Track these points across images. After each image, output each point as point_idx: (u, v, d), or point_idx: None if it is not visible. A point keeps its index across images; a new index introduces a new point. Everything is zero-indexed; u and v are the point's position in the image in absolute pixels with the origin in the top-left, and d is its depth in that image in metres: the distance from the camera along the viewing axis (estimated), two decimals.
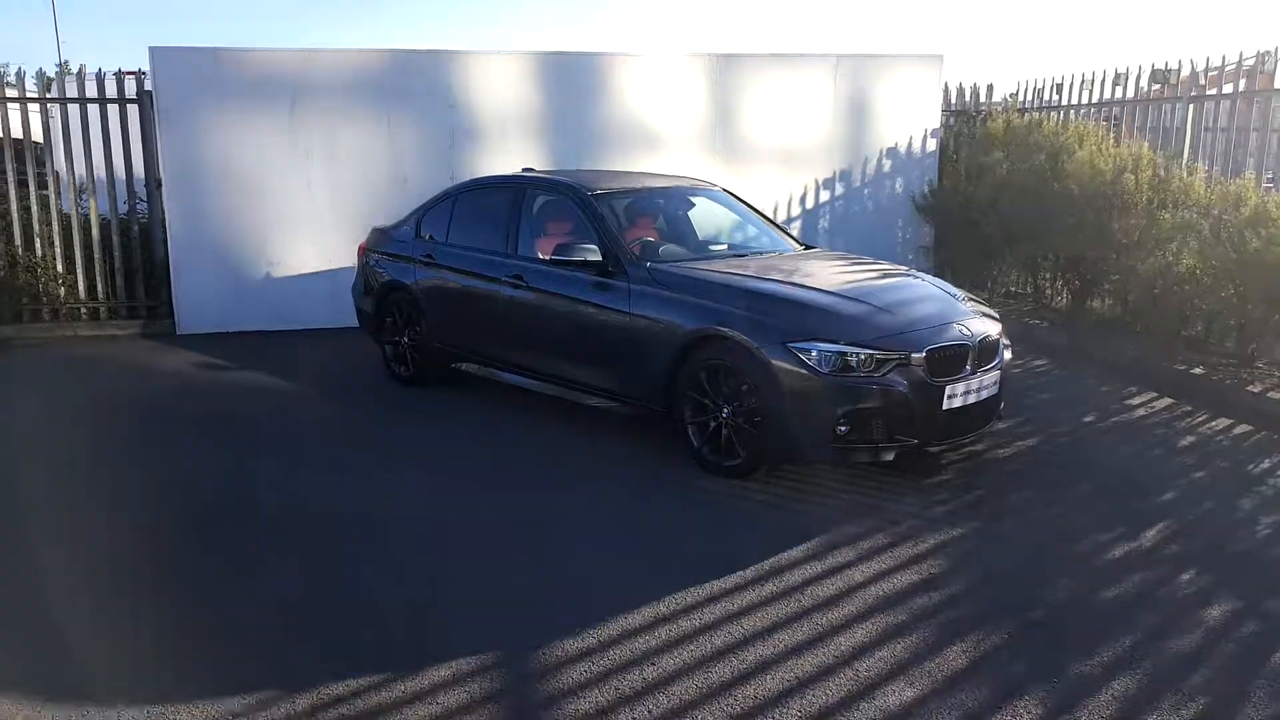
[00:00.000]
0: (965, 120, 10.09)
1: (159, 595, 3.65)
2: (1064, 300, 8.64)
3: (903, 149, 9.57)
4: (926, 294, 5.13)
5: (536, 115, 8.87)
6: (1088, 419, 5.88)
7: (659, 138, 9.06)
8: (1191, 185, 6.97)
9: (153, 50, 8.17)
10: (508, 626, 3.34)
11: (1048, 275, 8.93)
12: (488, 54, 8.79)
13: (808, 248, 6.10)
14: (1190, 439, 5.50)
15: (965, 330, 4.76)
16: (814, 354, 4.42)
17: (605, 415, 5.52)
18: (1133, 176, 7.39)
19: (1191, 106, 7.66)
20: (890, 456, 4.55)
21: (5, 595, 3.61)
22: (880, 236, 9.60)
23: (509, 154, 8.77)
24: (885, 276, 5.41)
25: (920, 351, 4.50)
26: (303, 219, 8.63)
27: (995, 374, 4.87)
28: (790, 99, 9.23)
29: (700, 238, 6.02)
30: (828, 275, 5.27)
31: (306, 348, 8.00)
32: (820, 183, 9.49)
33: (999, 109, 9.83)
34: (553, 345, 5.57)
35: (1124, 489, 4.68)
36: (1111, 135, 8.32)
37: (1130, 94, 8.42)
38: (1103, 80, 8.80)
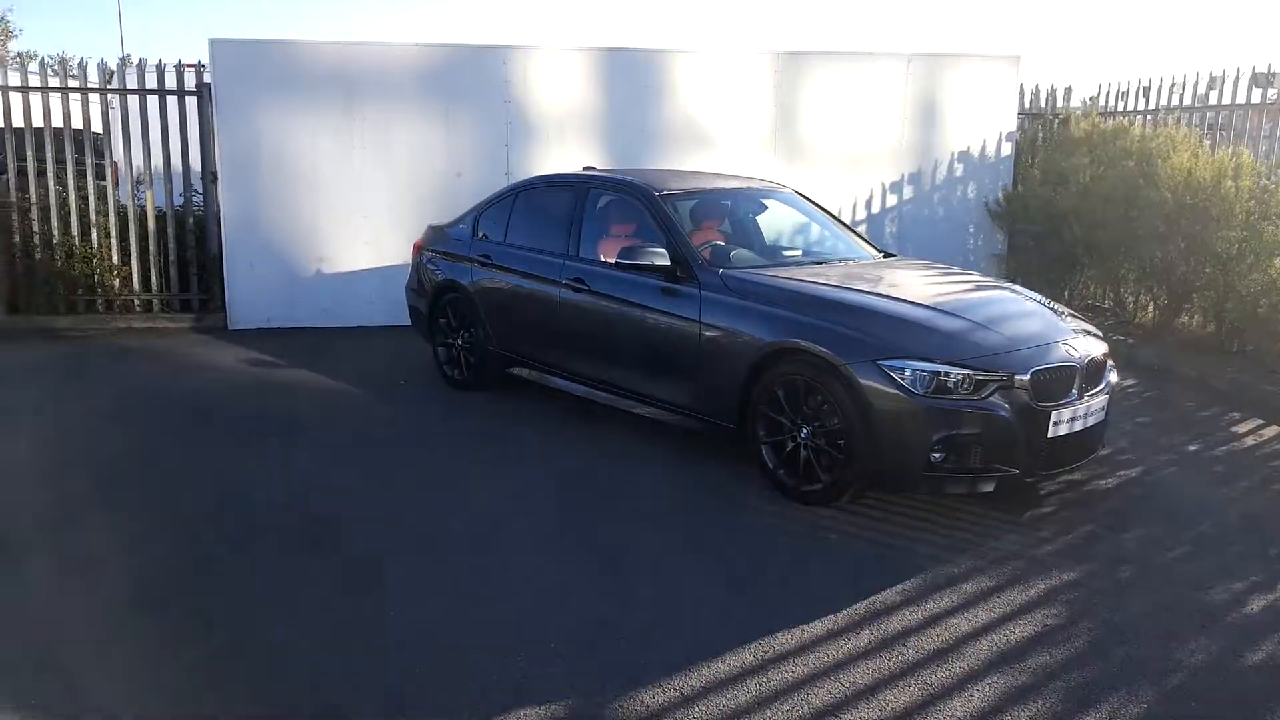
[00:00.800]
0: (1042, 124, 9.59)
1: (205, 619, 3.36)
2: (1150, 315, 8.13)
3: (975, 153, 9.11)
4: (1027, 309, 4.71)
5: (593, 112, 8.55)
6: (1193, 447, 5.41)
7: (718, 136, 8.71)
8: None
9: (212, 42, 8.00)
10: (585, 674, 3.00)
11: (1132, 288, 8.41)
12: (545, 49, 8.48)
13: (886, 255, 5.69)
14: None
15: (1071, 350, 4.34)
16: (907, 373, 4.03)
17: (669, 429, 5.17)
18: (1233, 184, 6.89)
19: None
20: (989, 488, 4.14)
21: (40, 606, 3.35)
22: (950, 243, 9.15)
23: (565, 151, 8.48)
24: (979, 288, 4.99)
25: (1025, 373, 4.09)
26: (355, 214, 8.40)
27: (1103, 399, 4.45)
28: (857, 98, 8.82)
29: (773, 242, 5.64)
30: (917, 286, 4.87)
31: (357, 347, 7.75)
32: (887, 186, 9.06)
33: (1079, 112, 9.32)
34: (615, 354, 5.23)
35: (1248, 530, 4.23)
36: (1206, 142, 7.82)
37: (1227, 99, 7.89)
38: (1195, 83, 8.27)
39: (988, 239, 9.29)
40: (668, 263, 4.90)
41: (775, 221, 5.79)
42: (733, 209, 5.74)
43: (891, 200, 9.06)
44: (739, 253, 5.25)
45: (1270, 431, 5.70)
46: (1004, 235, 9.23)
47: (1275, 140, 7.47)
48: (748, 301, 4.60)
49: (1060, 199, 8.16)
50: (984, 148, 9.10)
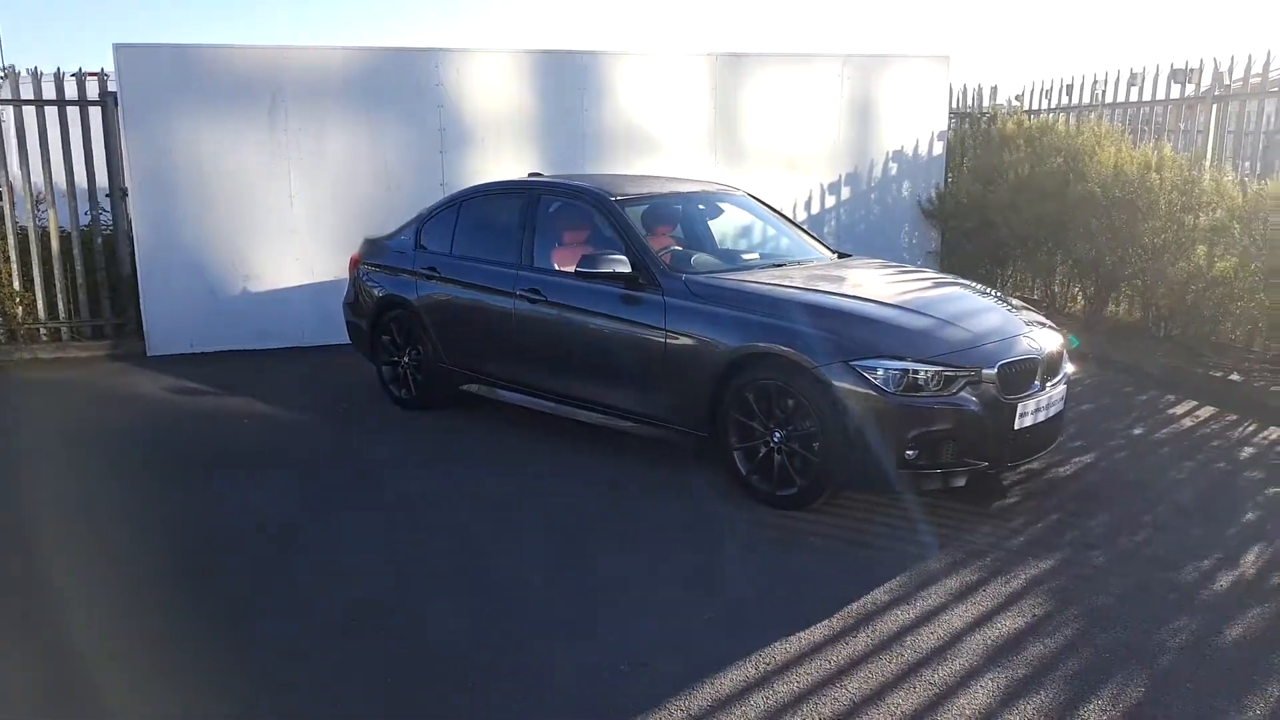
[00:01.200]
0: (970, 122, 9.83)
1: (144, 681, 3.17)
2: (1080, 305, 8.39)
3: (909, 151, 9.28)
4: (985, 304, 4.79)
5: (531, 117, 8.44)
6: (1137, 431, 5.59)
7: (658, 140, 8.68)
8: (1224, 187, 6.73)
9: (117, 48, 7.59)
10: (586, 704, 2.92)
11: (1061, 280, 8.67)
12: (479, 52, 8.34)
13: (841, 255, 5.73)
14: (1249, 450, 5.22)
15: (1032, 343, 4.43)
16: (880, 373, 4.05)
17: (633, 439, 5.11)
18: (1158, 177, 7.15)
19: (1215, 107, 7.43)
20: (961, 482, 4.19)
21: None
22: (886, 242, 9.30)
23: (502, 158, 8.35)
24: (938, 285, 5.06)
25: (992, 367, 4.15)
26: (283, 229, 8.11)
27: (1061, 389, 4.55)
28: (794, 100, 8.89)
29: (730, 246, 5.63)
30: (879, 285, 4.90)
31: (292, 368, 7.48)
32: (825, 187, 9.16)
33: (1005, 111, 9.58)
34: (577, 366, 5.14)
35: (1203, 509, 4.37)
36: (1128, 137, 8.11)
37: (1147, 95, 8.19)
38: (1116, 81, 8.58)
39: (922, 236, 9.46)
40: (629, 270, 4.84)
41: (730, 225, 5.78)
42: (687, 213, 5.71)
43: (830, 201, 9.16)
44: (700, 257, 5.22)
45: (1205, 412, 5.92)
46: (937, 232, 9.42)
47: (1194, 134, 7.78)
48: (713, 307, 4.56)
49: (993, 195, 8.36)
50: (917, 147, 9.27)
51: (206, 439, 5.68)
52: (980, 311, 4.63)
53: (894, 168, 9.29)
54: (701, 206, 5.78)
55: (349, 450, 5.46)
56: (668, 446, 5.00)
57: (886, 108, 9.08)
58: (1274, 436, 5.45)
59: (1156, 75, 8.01)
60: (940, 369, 4.07)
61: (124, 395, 6.78)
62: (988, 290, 5.14)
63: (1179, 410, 6.00)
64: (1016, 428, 4.22)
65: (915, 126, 9.18)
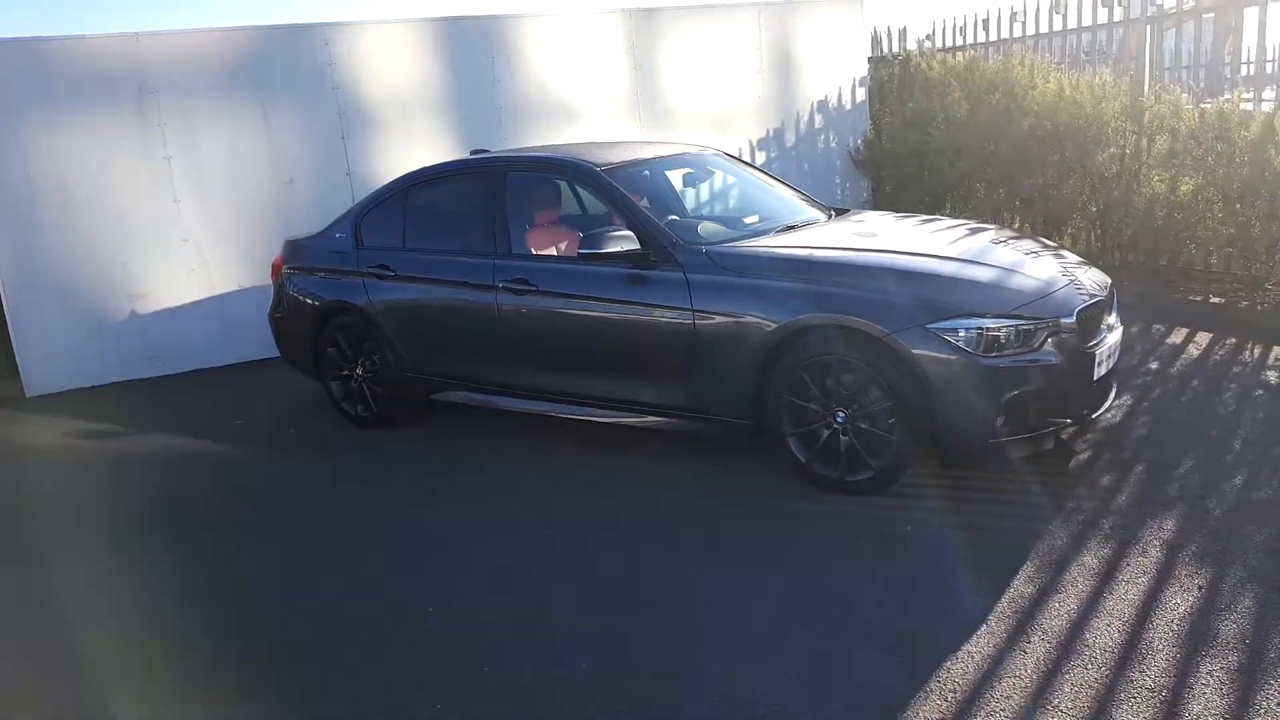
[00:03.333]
0: (886, 66, 9.57)
1: None
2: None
3: (833, 101, 8.94)
4: (1030, 247, 4.44)
5: (440, 92, 7.65)
6: (1153, 365, 5.40)
7: (579, 106, 8.04)
8: (1181, 110, 6.63)
9: None
10: None
11: (1008, 217, 8.53)
12: (373, 24, 7.48)
13: (839, 211, 5.24)
14: (1274, 373, 5.09)
15: (1092, 283, 4.10)
16: (961, 334, 3.62)
17: (651, 435, 4.54)
18: (1107, 105, 7.02)
19: (1150, 29, 7.35)
20: (1050, 444, 3.84)
21: None
22: (821, 195, 8.80)
23: (413, 141, 7.55)
24: (975, 232, 4.64)
25: (1070, 315, 3.79)
26: (172, 239, 7.10)
27: (1119, 330, 4.24)
28: (714, 54, 8.40)
29: (729, 211, 5.10)
30: (920, 238, 4.47)
31: (207, 395, 6.56)
32: (754, 143, 8.72)
33: (920, 52, 9.35)
34: (582, 359, 4.53)
35: (1272, 442, 4.16)
36: (1060, 67, 7.98)
37: (1072, 23, 8.07)
38: (1037, 10, 8.43)
39: (854, 186, 9.18)
40: (638, 247, 4.25)
41: (718, 187, 5.25)
42: (674, 178, 5.14)
43: (760, 157, 8.72)
44: (707, 225, 4.68)
45: (1204, 338, 5.80)
46: (869, 181, 9.15)
47: (1127, 60, 7.70)
48: (749, 279, 4.03)
49: (932, 140, 8.11)
50: (840, 95, 8.94)
51: (130, 493, 4.79)
52: (1030, 255, 4.27)
53: (819, 119, 8.95)
54: (689, 170, 5.22)
55: (327, 487, 4.70)
56: (695, 440, 4.46)
57: (806, 57, 8.71)
58: None
59: (1080, 1, 7.88)
60: (1021, 322, 3.68)
61: (12, 445, 5.75)
62: (1015, 233, 4.79)
63: (1177, 339, 5.85)
64: (1095, 377, 3.89)
65: (836, 74, 8.85)
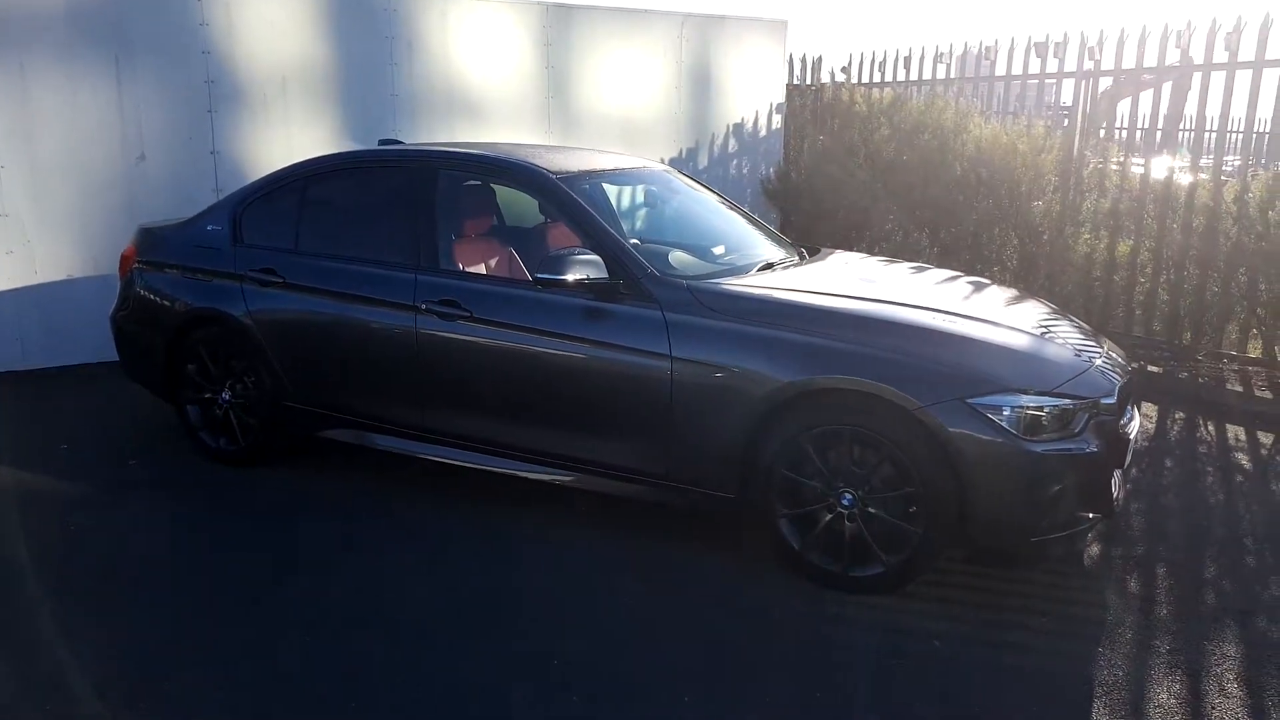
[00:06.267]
0: (801, 95, 9.16)
1: None
2: None
3: (749, 125, 8.46)
4: (1045, 309, 3.95)
5: (329, 71, 6.64)
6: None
7: (486, 103, 7.20)
8: (1127, 175, 6.47)
9: None
10: None
11: (931, 261, 8.26)
12: None
13: (811, 250, 4.59)
14: (1244, 458, 4.85)
15: (1115, 357, 3.66)
16: (1006, 412, 3.06)
17: (601, 501, 3.78)
18: (1048, 157, 6.81)
19: (1085, 83, 7.20)
20: (1084, 544, 3.33)
21: None
22: None
23: (291, 121, 6.53)
24: (979, 288, 4.10)
25: (1111, 396, 3.30)
26: None
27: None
28: (633, 62, 7.75)
29: (694, 241, 4.37)
30: (926, 289, 3.90)
31: (22, 406, 5.30)
32: (667, 163, 8.03)
33: (835, 85, 8.98)
34: (528, 406, 3.71)
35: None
36: (987, 113, 7.77)
37: (1001, 70, 7.86)
38: (964, 54, 8.21)
39: (763, 217, 8.68)
40: (606, 276, 3.50)
41: (679, 210, 4.55)
42: (632, 198, 4.42)
43: None
44: (678, 255, 3.96)
45: (1151, 409, 5.55)
46: (778, 214, 8.70)
47: (1059, 111, 7.55)
48: (745, 325, 3.35)
49: (854, 176, 7.73)
50: (756, 120, 8.47)
51: None
52: (1053, 320, 3.78)
53: (734, 143, 8.44)
54: (650, 187, 4.50)
55: (183, 549, 3.67)
56: (651, 513, 3.73)
57: (726, 76, 8.19)
58: (1257, 440, 5.15)
59: (1012, 48, 7.68)
60: (1064, 401, 3.16)
61: None
62: (1017, 289, 4.33)
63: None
64: (1126, 464, 3.43)
65: (754, 98, 8.37)
